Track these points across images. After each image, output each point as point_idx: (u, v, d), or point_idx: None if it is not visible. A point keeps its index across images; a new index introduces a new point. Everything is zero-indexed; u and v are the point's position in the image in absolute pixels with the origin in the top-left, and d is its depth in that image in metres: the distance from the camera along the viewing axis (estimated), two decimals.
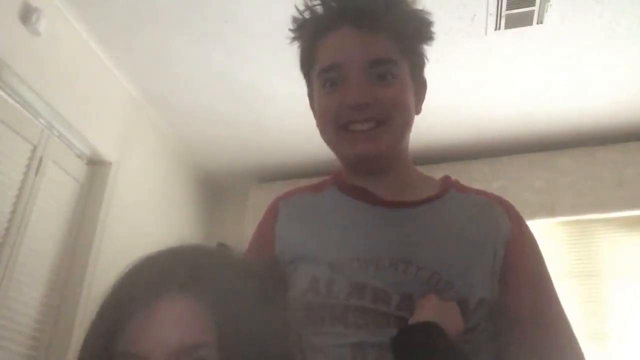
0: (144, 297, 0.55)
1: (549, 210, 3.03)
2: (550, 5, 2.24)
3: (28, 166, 2.17)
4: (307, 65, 0.87)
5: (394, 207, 0.81)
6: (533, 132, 3.12)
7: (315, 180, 0.94)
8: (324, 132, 0.84)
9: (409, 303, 0.72)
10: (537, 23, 2.33)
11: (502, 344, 0.76)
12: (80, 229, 2.47)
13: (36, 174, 2.20)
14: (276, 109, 2.91)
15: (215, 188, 3.74)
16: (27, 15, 2.09)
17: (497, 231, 0.79)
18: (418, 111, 0.88)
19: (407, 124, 0.83)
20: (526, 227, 0.83)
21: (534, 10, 2.27)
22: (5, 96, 2.11)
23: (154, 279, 0.57)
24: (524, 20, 2.33)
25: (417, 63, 0.87)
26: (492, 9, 2.28)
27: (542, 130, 3.10)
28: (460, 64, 2.59)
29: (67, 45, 2.36)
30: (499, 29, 2.37)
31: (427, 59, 0.90)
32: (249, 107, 2.92)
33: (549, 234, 3.02)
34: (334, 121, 0.80)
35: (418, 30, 0.88)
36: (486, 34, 2.41)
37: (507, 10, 2.28)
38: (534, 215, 2.99)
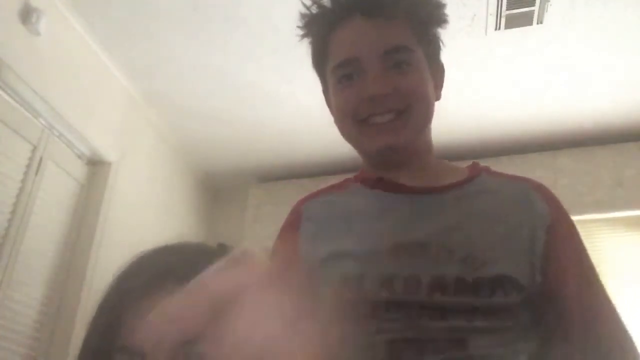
0: (143, 291, 0.55)
1: None
2: (550, 5, 2.24)
3: (28, 166, 2.17)
4: (320, 61, 0.84)
5: (423, 193, 0.79)
6: (533, 132, 3.12)
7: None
8: (342, 128, 0.82)
9: (441, 285, 0.69)
10: (537, 23, 2.33)
11: (546, 339, 0.73)
12: (80, 229, 2.47)
13: (36, 174, 2.20)
14: (276, 109, 2.91)
15: (215, 188, 3.74)
16: (27, 15, 2.09)
17: (534, 215, 0.75)
18: (438, 97, 0.84)
19: (428, 112, 0.80)
20: (566, 213, 0.80)
21: (534, 10, 2.27)
22: (5, 96, 2.11)
23: (153, 273, 0.57)
24: (524, 20, 2.33)
25: (433, 48, 0.83)
26: (492, 9, 2.28)
27: (542, 130, 3.10)
28: (460, 64, 2.59)
29: (67, 45, 2.36)
30: (499, 29, 2.37)
31: (442, 43, 0.85)
32: (249, 107, 2.92)
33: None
34: (353, 116, 0.78)
35: (431, 15, 0.83)
36: (486, 34, 2.41)
37: (507, 10, 2.28)
38: None
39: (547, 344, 0.72)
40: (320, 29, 0.82)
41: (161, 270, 0.57)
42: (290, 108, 2.85)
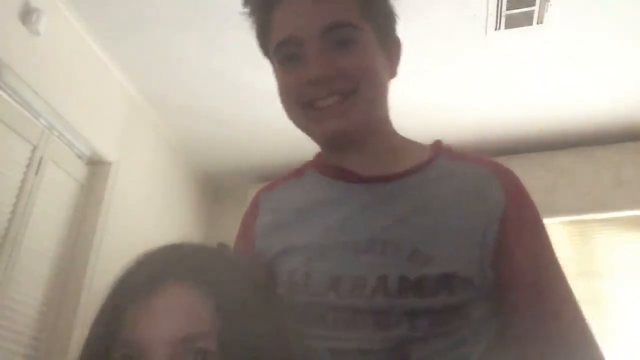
0: (144, 287, 0.56)
1: (549, 210, 3.03)
2: (550, 5, 2.24)
3: (28, 166, 2.17)
4: (264, 41, 0.78)
5: (372, 182, 0.74)
6: (533, 132, 3.12)
7: None
8: (289, 113, 0.77)
9: (384, 286, 0.65)
10: (537, 23, 2.33)
11: (504, 335, 0.69)
12: (80, 229, 2.47)
13: (36, 174, 2.20)
14: (276, 109, 2.89)
15: (214, 188, 3.74)
16: (27, 15, 2.09)
17: (488, 204, 0.70)
18: (393, 74, 0.79)
19: (378, 93, 0.75)
20: (526, 199, 0.74)
21: (534, 10, 2.27)
22: (5, 96, 2.11)
23: (154, 270, 0.58)
24: (524, 20, 2.33)
25: (384, 23, 0.77)
26: (492, 9, 2.28)
27: (542, 130, 3.10)
28: (459, 64, 2.59)
29: (67, 45, 2.36)
30: (499, 29, 2.37)
31: (397, 17, 0.79)
32: (249, 107, 2.92)
33: (549, 234, 3.02)
34: (297, 100, 0.73)
35: None
36: (486, 34, 2.41)
37: (507, 10, 2.28)
38: None
39: (501, 342, 0.69)
40: (262, 5, 0.77)
41: (162, 268, 0.58)
42: None
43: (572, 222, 3.05)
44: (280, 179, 0.88)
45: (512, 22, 2.34)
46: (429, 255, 0.66)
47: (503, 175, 0.75)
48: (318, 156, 0.85)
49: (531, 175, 3.34)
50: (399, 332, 0.64)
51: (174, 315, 0.54)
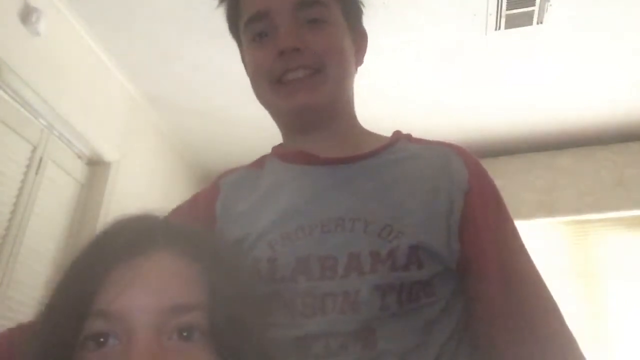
0: (127, 250, 0.49)
1: (549, 210, 3.03)
2: (550, 5, 2.24)
3: (28, 166, 2.17)
4: (234, 21, 0.80)
5: (334, 164, 0.74)
6: (533, 132, 3.12)
7: None
8: (257, 91, 0.78)
9: (357, 263, 0.64)
10: (537, 23, 2.33)
11: (471, 310, 0.69)
12: (80, 229, 2.47)
13: (36, 174, 2.20)
14: None
15: None
16: (27, 15, 2.09)
17: (452, 180, 0.71)
18: (359, 62, 0.81)
19: (345, 73, 0.76)
20: (487, 176, 0.76)
21: (534, 10, 2.27)
22: (5, 96, 2.11)
23: (140, 232, 0.51)
24: (524, 20, 2.33)
25: (351, 8, 0.79)
26: (492, 9, 2.28)
27: (542, 130, 3.10)
28: (459, 64, 2.59)
29: (67, 45, 2.36)
30: (499, 29, 2.37)
31: (363, 6, 0.82)
32: (249, 107, 2.91)
33: (549, 234, 3.03)
34: (268, 75, 0.74)
35: None
36: (486, 34, 2.41)
37: (507, 10, 2.28)
38: (534, 215, 2.99)
39: (469, 317, 0.69)
40: None
41: (149, 231, 0.52)
42: None
43: (572, 222, 3.05)
44: (240, 167, 0.86)
45: (512, 22, 2.34)
46: (399, 230, 0.66)
47: (464, 154, 0.77)
48: (277, 147, 0.85)
49: (531, 175, 3.35)
50: (369, 311, 0.63)
51: (162, 282, 0.48)
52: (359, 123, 0.83)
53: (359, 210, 0.68)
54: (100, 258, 0.49)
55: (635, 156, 3.09)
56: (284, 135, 0.84)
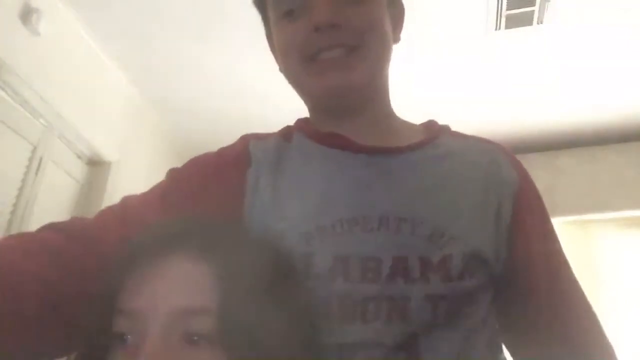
0: (148, 255, 0.51)
1: (549, 210, 3.02)
2: (550, 5, 2.24)
3: (28, 166, 2.17)
4: None
5: (373, 153, 0.67)
6: (533, 132, 3.12)
7: None
8: (287, 70, 0.72)
9: (404, 269, 0.58)
10: (537, 23, 2.33)
11: (513, 317, 0.67)
12: None
13: (36, 174, 2.20)
14: (277, 109, 2.91)
15: None
16: (27, 15, 2.09)
17: (502, 180, 0.67)
18: (396, 39, 0.74)
19: (384, 51, 0.70)
20: (532, 180, 0.72)
21: (534, 10, 2.27)
22: (5, 96, 2.11)
23: (161, 239, 0.53)
24: (524, 20, 2.33)
25: None
26: (492, 9, 2.28)
27: (542, 130, 3.10)
28: (459, 64, 2.59)
29: (67, 45, 2.36)
30: (499, 29, 2.37)
31: None
32: (249, 107, 2.92)
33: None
34: (300, 52, 0.67)
35: None
36: (486, 34, 2.41)
37: (507, 10, 2.28)
38: None
39: (509, 329, 0.67)
40: None
41: (169, 237, 0.53)
42: (291, 108, 2.84)
43: (572, 222, 3.05)
44: (271, 134, 0.77)
45: (512, 22, 2.34)
46: (451, 234, 0.60)
47: (509, 154, 0.73)
48: (303, 123, 0.77)
49: (531, 175, 3.35)
50: (418, 322, 0.57)
51: (174, 284, 0.49)
52: (393, 110, 0.77)
53: (404, 209, 0.62)
54: (129, 260, 0.52)
55: (635, 156, 3.09)
56: (313, 115, 0.77)
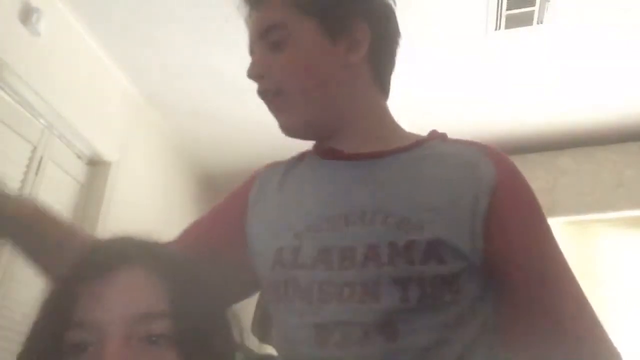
0: (97, 270, 0.55)
1: (549, 210, 3.01)
2: (550, 5, 2.24)
3: (28, 166, 2.17)
4: None
5: (360, 159, 0.75)
6: (533, 132, 3.12)
7: None
8: None
9: (375, 255, 0.65)
10: (537, 23, 2.33)
11: (498, 311, 0.68)
12: None
13: (36, 174, 2.20)
14: None
15: (215, 188, 3.74)
16: (27, 15, 2.09)
17: (479, 177, 0.70)
18: (349, 60, 0.76)
19: (307, 90, 0.75)
20: (519, 177, 0.74)
21: (534, 10, 2.27)
22: (5, 96, 2.11)
23: (108, 254, 0.58)
24: (524, 20, 2.33)
25: (333, 13, 0.75)
26: (492, 9, 2.28)
27: (542, 130, 3.10)
28: (459, 64, 2.59)
29: (67, 45, 2.36)
30: (499, 29, 2.37)
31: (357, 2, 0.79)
32: (249, 107, 2.92)
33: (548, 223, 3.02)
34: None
35: None
36: (486, 34, 2.41)
37: (507, 10, 2.28)
38: None
39: (495, 320, 0.68)
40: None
41: (116, 252, 0.58)
42: None
43: (572, 222, 3.05)
44: (284, 160, 0.88)
45: (512, 22, 2.34)
46: (418, 223, 0.66)
47: (496, 155, 0.75)
48: (316, 144, 0.86)
49: (531, 175, 3.32)
50: (389, 303, 0.63)
51: (129, 294, 0.54)
52: (389, 121, 0.82)
53: (381, 203, 0.69)
54: (81, 274, 0.56)
55: (635, 156, 3.08)
56: None
